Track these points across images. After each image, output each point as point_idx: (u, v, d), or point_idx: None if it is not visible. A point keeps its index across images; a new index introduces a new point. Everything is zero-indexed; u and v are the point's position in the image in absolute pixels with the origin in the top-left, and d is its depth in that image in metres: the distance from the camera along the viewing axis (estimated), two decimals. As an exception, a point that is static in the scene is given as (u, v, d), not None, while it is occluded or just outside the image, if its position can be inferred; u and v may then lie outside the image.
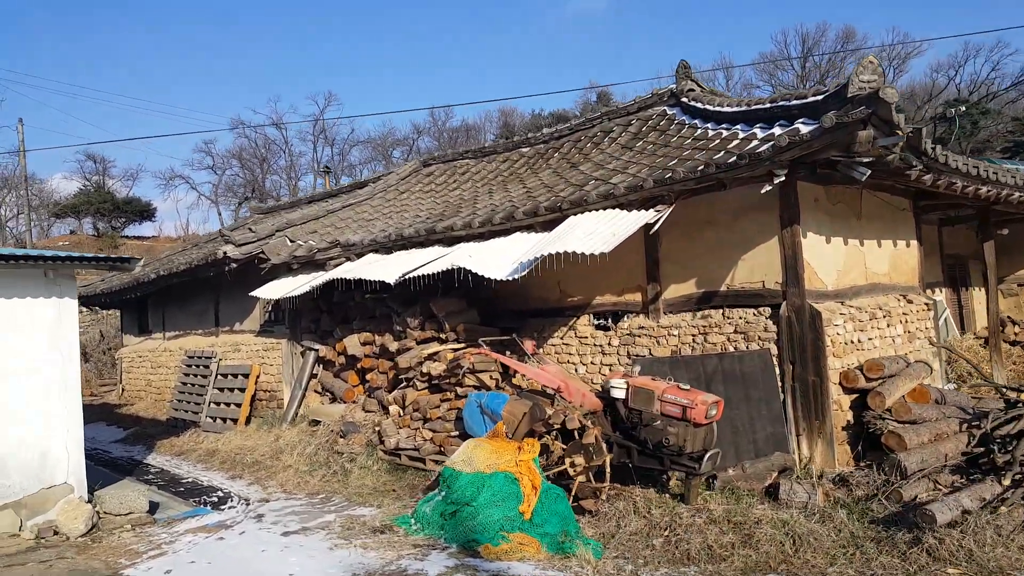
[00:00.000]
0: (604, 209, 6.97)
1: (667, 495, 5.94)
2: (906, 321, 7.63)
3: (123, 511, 6.73)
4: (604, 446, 5.82)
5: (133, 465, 9.81)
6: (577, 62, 73.34)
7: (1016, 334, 10.46)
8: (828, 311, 6.37)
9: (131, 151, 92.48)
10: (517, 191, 9.39)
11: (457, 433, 7.57)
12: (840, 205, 7.06)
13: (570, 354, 8.18)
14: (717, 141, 7.17)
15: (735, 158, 5.95)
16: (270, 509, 6.99)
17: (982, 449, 5.85)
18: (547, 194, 8.26)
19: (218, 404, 11.69)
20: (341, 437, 8.78)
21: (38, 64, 68.79)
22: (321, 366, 10.56)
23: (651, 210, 6.59)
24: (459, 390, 7.87)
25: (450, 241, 8.60)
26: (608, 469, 5.76)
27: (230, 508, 7.16)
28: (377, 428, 8.50)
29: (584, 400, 6.35)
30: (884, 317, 7.22)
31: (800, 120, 6.24)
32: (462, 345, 8.33)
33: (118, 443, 11.80)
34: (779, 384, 6.38)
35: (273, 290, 10.04)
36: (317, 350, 10.43)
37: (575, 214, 7.16)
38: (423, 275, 7.86)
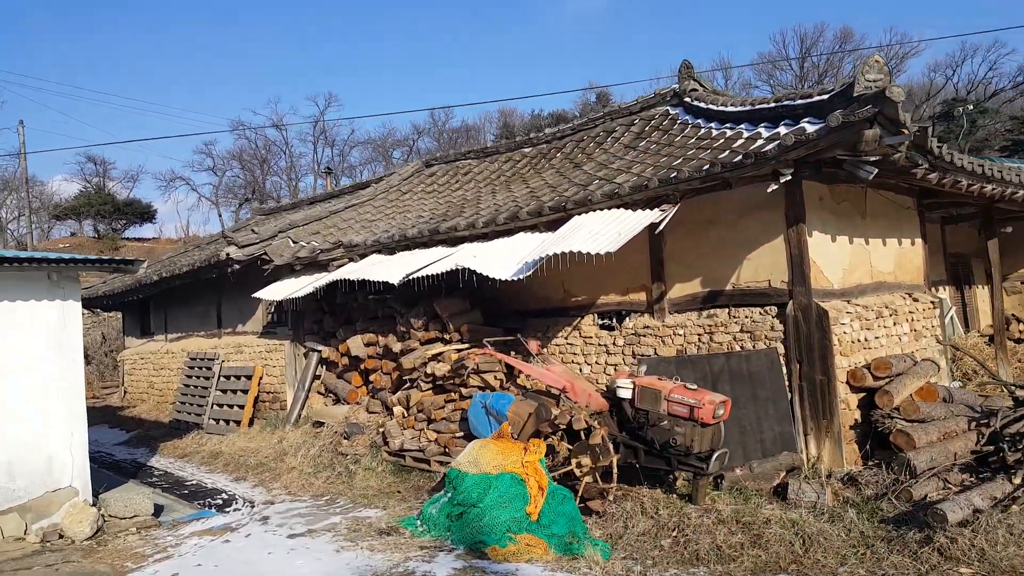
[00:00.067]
0: (608, 209, 6.95)
1: (674, 495, 5.92)
2: (912, 319, 7.61)
3: (128, 514, 6.71)
4: (611, 446, 5.79)
5: (137, 468, 9.79)
6: (576, 62, 73.47)
7: (1021, 331, 10.43)
8: (835, 310, 6.35)
9: (131, 153, 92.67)
10: (520, 191, 9.37)
11: (462, 434, 7.55)
12: (845, 204, 7.04)
13: (574, 354, 8.16)
14: (721, 140, 7.15)
15: (740, 157, 5.93)
16: (275, 511, 6.97)
17: (992, 447, 5.84)
18: (551, 194, 8.24)
19: (221, 406, 11.67)
20: (345, 438, 8.76)
21: (38, 65, 68.93)
22: (324, 367, 10.54)
23: (656, 209, 6.57)
24: (463, 391, 7.85)
25: (453, 241, 8.58)
26: (615, 470, 5.74)
27: (235, 510, 7.14)
28: (381, 429, 8.48)
29: (590, 400, 6.33)
30: (890, 315, 7.20)
31: (805, 119, 6.21)
32: (466, 346, 8.31)
33: (121, 445, 11.78)
34: (786, 383, 6.35)
35: (276, 291, 10.02)
36: (320, 351, 10.40)
37: (579, 214, 7.14)
38: (427, 276, 7.84)
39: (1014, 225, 10.08)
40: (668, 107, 9.47)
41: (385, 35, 76.78)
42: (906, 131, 5.12)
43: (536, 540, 5.28)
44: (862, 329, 6.70)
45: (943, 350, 8.12)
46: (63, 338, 6.72)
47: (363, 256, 9.67)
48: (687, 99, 8.99)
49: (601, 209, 6.99)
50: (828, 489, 5.64)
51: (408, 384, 8.66)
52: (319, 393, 10.52)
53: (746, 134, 6.90)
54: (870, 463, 6.15)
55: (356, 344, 9.58)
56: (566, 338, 8.25)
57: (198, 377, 12.59)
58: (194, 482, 8.69)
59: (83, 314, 7.12)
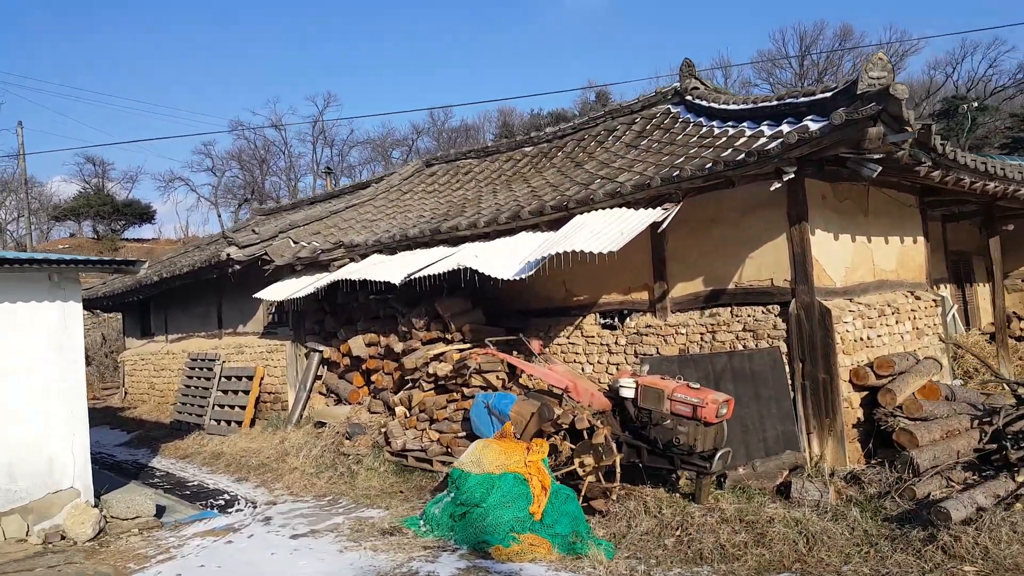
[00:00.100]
0: (611, 208, 6.94)
1: (677, 495, 5.91)
2: (914, 318, 7.61)
3: (130, 515, 6.71)
4: (614, 446, 5.79)
5: (138, 468, 9.78)
6: (576, 62, 73.41)
7: (1022, 329, 10.44)
8: (837, 308, 6.35)
9: (130, 153, 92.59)
10: (522, 190, 9.36)
11: (464, 434, 7.54)
12: (847, 202, 7.03)
13: (576, 353, 8.15)
14: (724, 139, 7.14)
15: (743, 155, 5.92)
16: (278, 512, 6.96)
17: (994, 445, 5.82)
18: (552, 193, 8.23)
19: (222, 407, 11.66)
20: (347, 439, 8.75)
21: (37, 65, 68.80)
22: (325, 368, 10.53)
23: (658, 208, 6.56)
24: (466, 391, 7.85)
25: (455, 241, 8.57)
26: (618, 469, 5.74)
27: (237, 511, 7.13)
28: (383, 429, 8.47)
29: (592, 400, 6.32)
30: (893, 314, 7.19)
31: (809, 117, 6.20)
32: (468, 345, 8.30)
33: (122, 446, 11.77)
34: (789, 382, 6.35)
35: (277, 292, 10.01)
36: (321, 351, 10.40)
37: (581, 213, 7.13)
38: (428, 275, 7.83)
39: (1015, 223, 10.08)
40: (670, 105, 9.46)
41: (385, 35, 76.76)
42: (910, 128, 5.11)
43: (540, 540, 5.27)
44: (864, 327, 6.69)
45: (945, 348, 8.12)
46: (64, 339, 6.71)
47: (364, 256, 9.66)
48: (689, 97, 8.98)
49: (603, 208, 6.98)
50: (831, 488, 5.63)
51: (410, 384, 8.65)
52: (321, 393, 10.51)
53: (749, 132, 6.89)
54: (873, 461, 6.14)
55: (358, 344, 9.57)
56: (568, 337, 8.24)
57: (199, 378, 12.58)
58: (196, 483, 8.68)
59: (83, 315, 7.11)
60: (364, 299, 9.76)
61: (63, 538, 6.25)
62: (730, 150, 6.51)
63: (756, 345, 6.57)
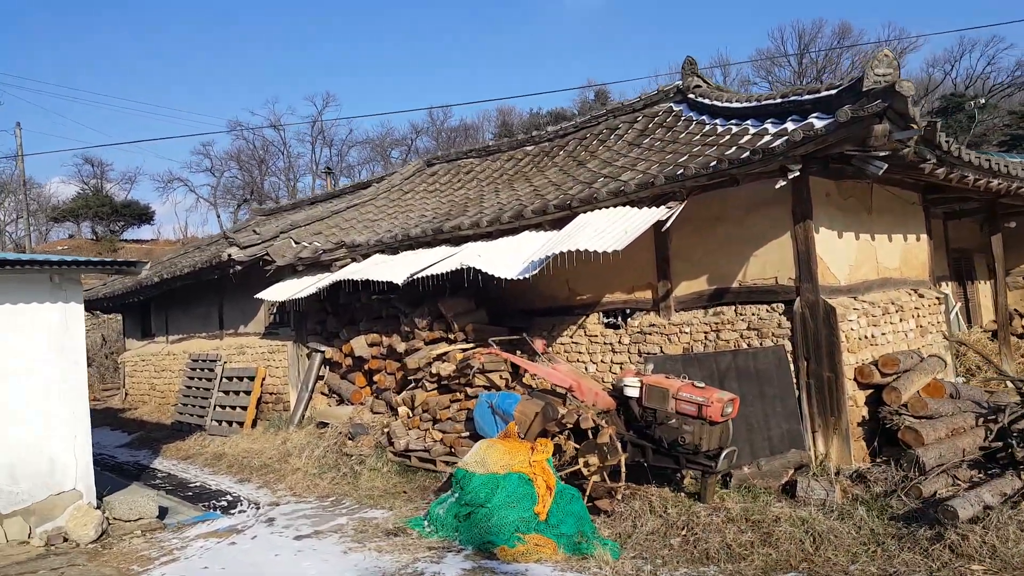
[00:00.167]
0: (614, 206, 6.92)
1: (682, 494, 5.89)
2: (918, 315, 7.59)
3: (133, 517, 6.68)
4: (619, 445, 5.77)
5: (140, 470, 9.75)
6: (576, 62, 73.39)
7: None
8: (842, 306, 6.33)
9: (129, 154, 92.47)
10: (524, 190, 9.33)
11: (468, 434, 7.52)
12: (851, 200, 7.01)
13: (580, 353, 8.13)
14: (727, 137, 7.12)
15: (748, 153, 5.90)
16: (281, 513, 6.94)
17: (1000, 444, 5.81)
18: (555, 192, 8.21)
19: (223, 407, 11.63)
20: (349, 439, 8.73)
21: (36, 66, 68.72)
22: (327, 368, 10.50)
23: (662, 207, 6.53)
24: (469, 390, 7.82)
25: (457, 241, 8.55)
26: (623, 468, 5.72)
27: (240, 512, 7.11)
28: (386, 430, 8.45)
29: (597, 399, 6.30)
30: (897, 312, 7.18)
31: (813, 115, 6.18)
32: (471, 345, 8.27)
33: (123, 447, 11.74)
34: (794, 380, 6.33)
35: (278, 292, 9.98)
36: (323, 352, 10.37)
37: (585, 212, 7.11)
38: (431, 275, 7.81)
39: (1018, 220, 10.06)
40: (672, 104, 9.43)
41: (385, 35, 76.72)
42: (915, 126, 5.09)
43: (545, 540, 5.25)
44: (869, 326, 6.67)
45: (949, 346, 8.10)
46: (65, 340, 6.68)
47: (366, 256, 9.63)
48: (691, 95, 8.96)
49: (607, 207, 6.96)
50: (837, 486, 5.62)
51: (413, 384, 8.63)
52: (323, 394, 10.49)
53: (752, 130, 6.87)
54: (878, 460, 6.13)
55: (360, 344, 9.55)
56: (571, 337, 8.22)
57: (200, 379, 12.55)
58: (198, 484, 8.66)
59: (84, 316, 7.09)
60: (366, 299, 9.74)
61: (65, 540, 6.22)
62: (734, 148, 6.49)
63: (760, 344, 6.55)
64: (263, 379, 11.31)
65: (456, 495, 5.83)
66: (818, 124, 5.62)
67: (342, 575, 5.10)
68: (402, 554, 5.37)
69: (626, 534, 5.39)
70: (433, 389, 8.27)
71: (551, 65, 72.76)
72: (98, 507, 6.66)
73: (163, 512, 6.98)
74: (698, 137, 7.73)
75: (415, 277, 7.90)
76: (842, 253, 6.76)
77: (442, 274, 7.78)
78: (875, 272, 7.26)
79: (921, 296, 7.81)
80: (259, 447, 9.61)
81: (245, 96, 76.04)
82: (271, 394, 11.28)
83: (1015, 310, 10.72)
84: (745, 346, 6.64)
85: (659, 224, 6.54)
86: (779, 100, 7.05)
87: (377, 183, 13.90)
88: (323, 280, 9.34)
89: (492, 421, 6.91)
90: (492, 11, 75.61)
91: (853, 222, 7.00)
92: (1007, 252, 9.97)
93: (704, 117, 8.35)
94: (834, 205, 6.74)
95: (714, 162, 6.19)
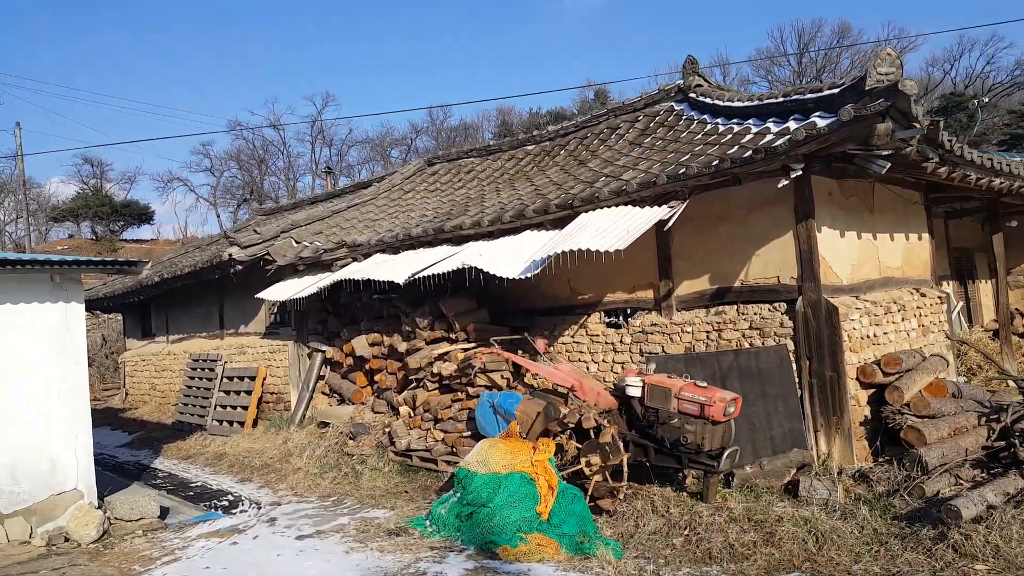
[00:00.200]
0: (616, 206, 6.91)
1: (684, 494, 5.89)
2: (920, 315, 7.58)
3: (134, 516, 6.67)
4: (621, 445, 5.76)
5: (140, 469, 9.74)
6: (575, 62, 73.37)
7: (1025, 326, 10.42)
8: (844, 305, 6.32)
9: (128, 154, 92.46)
10: (525, 189, 9.32)
11: (469, 433, 7.51)
12: (853, 199, 7.01)
13: (581, 352, 8.13)
14: (729, 136, 7.11)
15: (750, 152, 5.89)
16: (282, 512, 6.93)
17: (1003, 443, 5.81)
18: (556, 191, 8.20)
19: (224, 407, 11.62)
20: (351, 439, 8.72)
21: (36, 66, 68.69)
22: (328, 367, 10.50)
23: (664, 206, 6.53)
24: (470, 390, 7.82)
25: (458, 240, 8.54)
26: (625, 468, 5.71)
27: (242, 512, 7.10)
28: (387, 429, 8.44)
29: (599, 399, 6.29)
30: (899, 311, 7.17)
31: (816, 114, 6.18)
32: (472, 345, 8.27)
33: (124, 447, 11.73)
34: (796, 380, 6.32)
35: (279, 292, 9.98)
36: (324, 351, 10.36)
37: (586, 211, 7.10)
38: (432, 275, 7.80)
39: (1019, 219, 10.06)
40: (673, 103, 9.42)
41: (385, 35, 76.69)
42: (918, 125, 5.08)
43: (547, 540, 5.24)
44: (871, 325, 6.67)
45: (951, 345, 8.10)
46: (66, 340, 6.67)
47: (367, 256, 9.62)
48: (692, 95, 8.95)
49: (608, 206, 6.95)
50: (840, 486, 5.61)
51: (414, 384, 8.62)
52: (323, 393, 10.48)
53: (755, 129, 6.86)
54: (880, 459, 6.12)
55: (361, 344, 9.54)
56: (573, 336, 8.22)
57: (201, 378, 12.54)
58: (199, 484, 8.65)
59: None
60: (367, 299, 9.73)
61: (67, 540, 6.21)
62: (736, 147, 6.48)
63: (763, 343, 6.54)
64: (264, 379, 11.30)
65: (458, 495, 5.82)
66: (821, 123, 5.61)
67: (344, 575, 5.09)
68: (404, 554, 5.36)
69: (628, 534, 5.38)
70: (434, 389, 8.26)
71: (551, 65, 72.80)
72: (99, 507, 6.65)
73: (164, 512, 6.97)
74: (700, 136, 7.72)
75: (416, 277, 7.89)
76: (844, 252, 6.75)
77: (443, 274, 7.77)
78: (877, 271, 7.26)
79: (923, 295, 7.81)
80: (260, 447, 9.60)
81: (245, 96, 76.13)
82: (272, 394, 11.27)
83: (1016, 309, 10.71)
84: (747, 345, 6.63)
85: (661, 223, 6.53)
86: (781, 99, 7.04)
87: (378, 183, 13.89)
88: (324, 280, 9.33)
89: (494, 421, 6.91)
90: (492, 11, 75.65)
91: (855, 221, 6.99)
92: (1008, 251, 9.97)
93: (706, 116, 8.34)
94: (836, 204, 6.73)
95: (716, 161, 6.18)
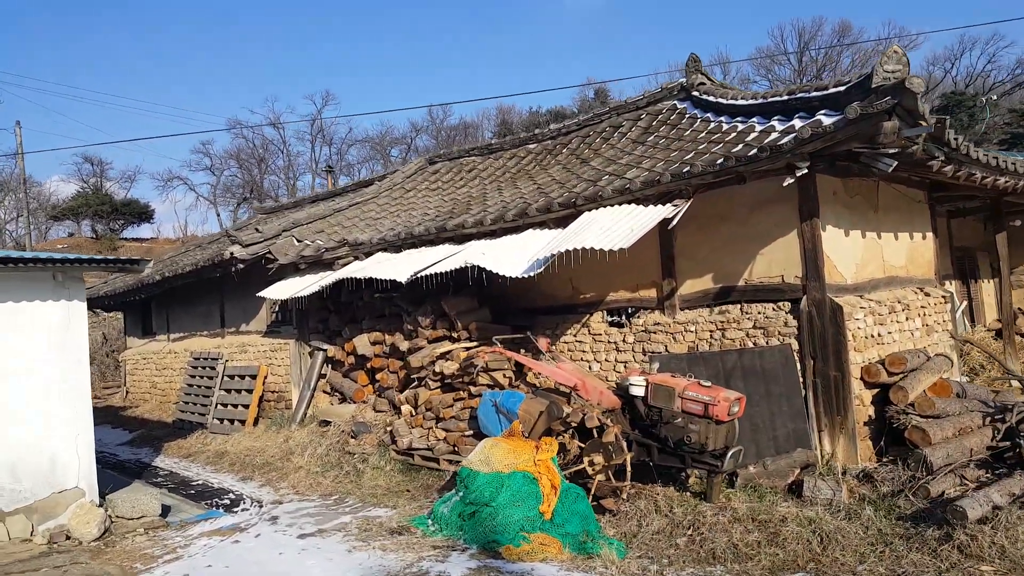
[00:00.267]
0: (619, 204, 6.88)
1: (688, 493, 5.86)
2: (924, 314, 7.56)
3: (135, 515, 6.65)
4: (624, 444, 5.73)
5: (141, 468, 9.72)
6: (575, 62, 73.32)
7: (1028, 326, 10.38)
8: (849, 305, 6.30)
9: (128, 153, 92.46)
10: (527, 187, 9.29)
11: (471, 432, 7.49)
12: (858, 197, 6.98)
13: (583, 351, 8.10)
14: (733, 134, 7.08)
15: (756, 151, 5.86)
16: (284, 511, 6.91)
17: (1007, 443, 5.78)
18: (559, 190, 8.17)
19: (225, 405, 11.60)
20: (352, 437, 8.70)
21: (37, 65, 68.65)
22: (330, 366, 10.48)
23: (668, 205, 6.50)
24: (472, 389, 7.79)
25: (461, 239, 8.51)
26: (629, 467, 5.68)
27: (243, 510, 7.08)
28: (389, 428, 8.42)
29: (602, 398, 6.27)
30: (903, 310, 7.14)
31: (821, 112, 6.15)
32: (474, 344, 8.25)
33: (125, 445, 11.71)
34: (800, 379, 6.30)
35: (280, 290, 9.96)
36: (325, 350, 10.34)
37: (590, 210, 7.07)
38: (434, 273, 7.77)
39: (1022, 218, 10.02)
40: (675, 101, 9.39)
41: (385, 35, 76.60)
42: (925, 123, 5.05)
43: (550, 539, 5.22)
44: (875, 324, 6.64)
45: (955, 345, 8.07)
46: (68, 338, 6.64)
47: (368, 254, 9.60)
48: (695, 93, 8.92)
49: (612, 205, 6.93)
50: (844, 486, 5.58)
51: (416, 383, 8.60)
52: (325, 392, 10.46)
53: (759, 128, 6.83)
54: (884, 460, 6.09)
55: (362, 343, 9.52)
56: (575, 335, 8.19)
57: (202, 377, 12.52)
58: (200, 482, 8.63)
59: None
60: (369, 297, 9.71)
61: (68, 538, 6.19)
62: (740, 145, 6.46)
63: (767, 342, 6.52)
64: (265, 377, 11.28)
65: (460, 494, 5.80)
66: (826, 121, 5.58)
67: (346, 574, 5.07)
68: (407, 553, 5.34)
69: (631, 533, 5.36)
70: (436, 387, 8.24)
71: (551, 65, 72.73)
72: (101, 505, 6.63)
73: (166, 510, 6.95)
74: (703, 135, 7.70)
75: (418, 275, 7.87)
76: (848, 251, 6.73)
77: (445, 272, 7.75)
78: (881, 270, 7.23)
79: (927, 295, 7.78)
80: (261, 445, 9.58)
81: (245, 95, 76.08)
82: (273, 392, 11.25)
83: (1019, 309, 10.68)
84: (751, 345, 6.61)
85: (665, 222, 6.51)
86: (786, 97, 7.01)
87: (379, 181, 13.87)
88: (326, 278, 9.31)
89: (496, 420, 6.89)
90: (492, 11, 75.55)
91: (859, 220, 6.96)
92: (1011, 251, 9.93)
93: (709, 114, 8.31)
94: (840, 203, 6.71)
95: (721, 159, 6.15)
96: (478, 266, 7.30)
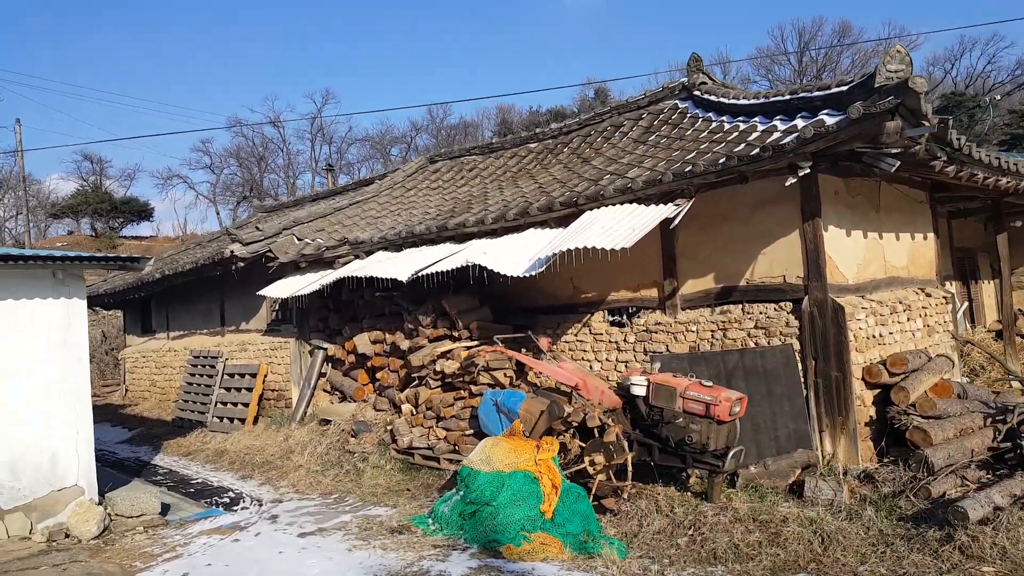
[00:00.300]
0: (621, 204, 6.87)
1: (689, 493, 5.86)
2: (925, 315, 7.55)
3: (135, 513, 6.63)
4: (625, 444, 5.73)
5: (141, 466, 9.71)
6: (575, 61, 73.28)
7: (1029, 327, 10.38)
8: (850, 305, 6.29)
9: (128, 151, 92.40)
10: (529, 187, 9.28)
11: (472, 432, 7.48)
12: (859, 198, 6.97)
13: (584, 351, 8.09)
14: (735, 134, 7.07)
15: (758, 150, 5.85)
16: (284, 510, 6.90)
17: (1008, 444, 5.78)
18: (560, 189, 8.16)
19: (225, 404, 11.59)
20: (352, 436, 8.69)
21: (37, 64, 68.56)
22: (330, 365, 10.47)
23: (670, 204, 6.49)
24: (473, 388, 7.79)
25: (462, 238, 8.50)
26: (630, 467, 5.68)
27: (243, 509, 7.07)
28: (389, 427, 8.41)
29: (603, 397, 6.25)
30: (904, 311, 7.14)
31: (824, 111, 6.13)
32: (475, 343, 8.24)
33: (124, 444, 11.70)
34: (801, 380, 6.29)
35: (281, 289, 9.94)
36: (326, 349, 10.33)
37: (591, 209, 7.06)
38: (434, 272, 7.76)
39: (1023, 219, 10.02)
40: (677, 101, 9.38)
41: (385, 35, 76.53)
42: (928, 123, 5.05)
43: (551, 539, 5.22)
44: (877, 325, 6.63)
45: (955, 346, 8.07)
46: (68, 336, 6.63)
47: (369, 253, 9.59)
48: (697, 92, 8.91)
49: (613, 204, 6.92)
50: (845, 487, 5.58)
51: (416, 382, 8.59)
52: (325, 391, 10.45)
53: (761, 127, 6.82)
54: (886, 460, 6.09)
55: (363, 341, 9.51)
56: (576, 335, 8.18)
57: (201, 375, 12.50)
58: (200, 480, 8.62)
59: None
60: (369, 296, 9.69)
61: (67, 536, 6.18)
62: (742, 145, 6.45)
63: (768, 343, 6.51)
64: (265, 376, 11.27)
65: (461, 493, 5.79)
66: (829, 121, 5.57)
67: (347, 573, 5.06)
68: (407, 552, 5.33)
69: (632, 533, 5.35)
70: (437, 387, 8.23)
71: (551, 65, 72.68)
72: (100, 503, 6.62)
73: (165, 508, 6.94)
74: (705, 134, 7.69)
75: (419, 274, 7.85)
76: (850, 251, 6.72)
77: (446, 271, 7.74)
78: (883, 271, 7.23)
79: (928, 295, 7.78)
80: (261, 444, 9.57)
81: (245, 94, 75.95)
82: (273, 391, 11.23)
83: (1019, 310, 10.68)
84: (752, 345, 6.60)
85: (667, 222, 6.50)
86: (788, 97, 7.00)
87: (380, 180, 13.86)
88: (326, 277, 9.30)
89: (497, 419, 6.88)
90: (492, 11, 75.49)
91: (861, 220, 6.95)
92: (1011, 251, 9.93)
93: (711, 114, 8.30)
94: (842, 203, 6.70)
95: (723, 159, 6.14)
96: (479, 265, 7.29)
